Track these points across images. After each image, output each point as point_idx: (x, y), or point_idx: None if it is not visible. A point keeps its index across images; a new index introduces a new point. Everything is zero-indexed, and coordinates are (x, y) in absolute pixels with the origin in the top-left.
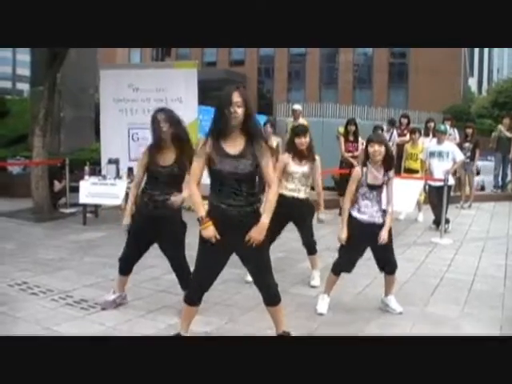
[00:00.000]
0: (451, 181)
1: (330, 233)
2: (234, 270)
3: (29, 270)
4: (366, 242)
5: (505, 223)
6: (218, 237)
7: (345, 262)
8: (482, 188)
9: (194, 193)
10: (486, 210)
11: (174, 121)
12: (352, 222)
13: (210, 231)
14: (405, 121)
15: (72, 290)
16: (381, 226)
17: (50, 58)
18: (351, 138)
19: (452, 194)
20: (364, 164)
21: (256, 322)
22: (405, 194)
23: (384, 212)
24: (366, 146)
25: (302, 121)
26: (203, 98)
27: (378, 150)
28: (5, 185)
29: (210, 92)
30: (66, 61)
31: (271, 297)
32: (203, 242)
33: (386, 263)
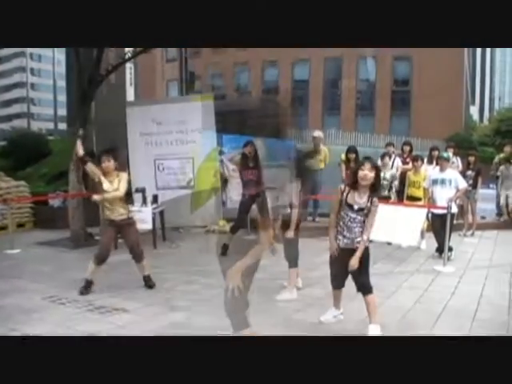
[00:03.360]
0: (454, 208)
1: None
2: None
3: (60, 286)
4: (344, 264)
5: (508, 251)
6: None
7: (332, 279)
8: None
9: None
10: (488, 237)
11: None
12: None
13: None
14: (407, 148)
15: (94, 300)
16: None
17: (80, 97)
18: (352, 165)
19: (455, 221)
20: (351, 186)
21: None
22: (408, 225)
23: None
24: (357, 169)
25: (323, 148)
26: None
27: (367, 174)
28: (47, 218)
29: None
30: (99, 100)
31: None
32: None
33: (360, 287)
